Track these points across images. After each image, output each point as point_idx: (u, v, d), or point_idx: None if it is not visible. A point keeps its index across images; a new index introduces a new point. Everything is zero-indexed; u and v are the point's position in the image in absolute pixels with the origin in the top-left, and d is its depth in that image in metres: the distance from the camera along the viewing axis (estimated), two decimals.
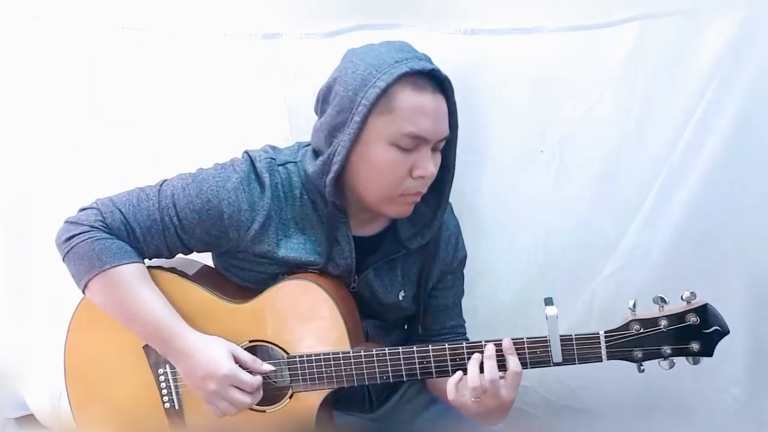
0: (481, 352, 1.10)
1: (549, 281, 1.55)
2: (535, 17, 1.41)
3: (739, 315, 1.52)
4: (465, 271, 1.39)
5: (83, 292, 1.19)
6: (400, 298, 1.28)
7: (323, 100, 1.16)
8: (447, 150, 1.18)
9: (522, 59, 1.44)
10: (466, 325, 1.39)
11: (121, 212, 1.17)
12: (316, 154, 1.18)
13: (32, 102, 1.54)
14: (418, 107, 1.10)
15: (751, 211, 1.48)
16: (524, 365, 1.11)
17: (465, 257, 1.35)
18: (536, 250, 1.56)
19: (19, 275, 1.64)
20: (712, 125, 1.42)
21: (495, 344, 1.10)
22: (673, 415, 1.63)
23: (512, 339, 1.11)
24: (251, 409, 1.20)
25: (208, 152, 1.26)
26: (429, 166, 1.13)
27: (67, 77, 1.52)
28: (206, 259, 1.33)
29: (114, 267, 1.15)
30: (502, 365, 1.10)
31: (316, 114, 1.19)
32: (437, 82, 1.12)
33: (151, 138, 1.55)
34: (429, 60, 1.14)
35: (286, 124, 1.50)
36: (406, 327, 1.40)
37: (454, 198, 1.40)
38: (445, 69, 1.41)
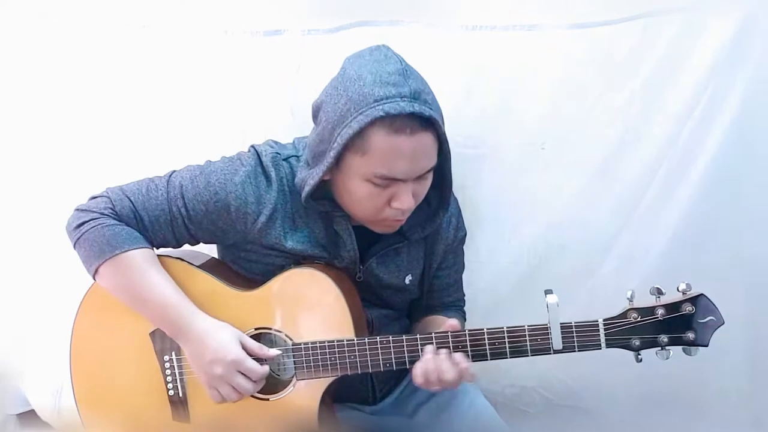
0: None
1: (549, 274, 1.58)
2: (537, 14, 1.44)
3: (739, 312, 1.54)
4: (466, 263, 1.44)
5: (94, 278, 1.21)
6: (407, 282, 1.31)
7: (314, 116, 1.18)
8: (443, 163, 1.17)
9: (524, 56, 1.47)
10: (467, 317, 1.43)
11: (130, 200, 1.20)
12: (307, 164, 1.20)
13: (34, 98, 1.55)
14: (392, 150, 1.08)
15: (750, 209, 1.51)
16: (525, 353, 1.13)
17: (465, 235, 1.39)
18: (536, 243, 1.60)
19: (19, 271, 1.64)
20: (713, 123, 1.46)
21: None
22: (674, 415, 1.65)
23: (513, 327, 1.13)
24: (255, 397, 1.21)
25: (211, 149, 1.27)
26: (406, 200, 1.12)
27: (67, 74, 1.54)
28: (212, 251, 1.35)
29: (124, 252, 1.17)
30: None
31: None
32: (420, 119, 1.07)
33: (153, 135, 1.57)
34: (414, 96, 1.07)
35: (290, 120, 1.52)
36: (409, 311, 1.42)
37: (455, 190, 1.41)
38: (448, 65, 1.46)
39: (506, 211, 1.59)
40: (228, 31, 1.49)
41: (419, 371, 1.14)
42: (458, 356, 1.13)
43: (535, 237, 1.59)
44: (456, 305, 1.42)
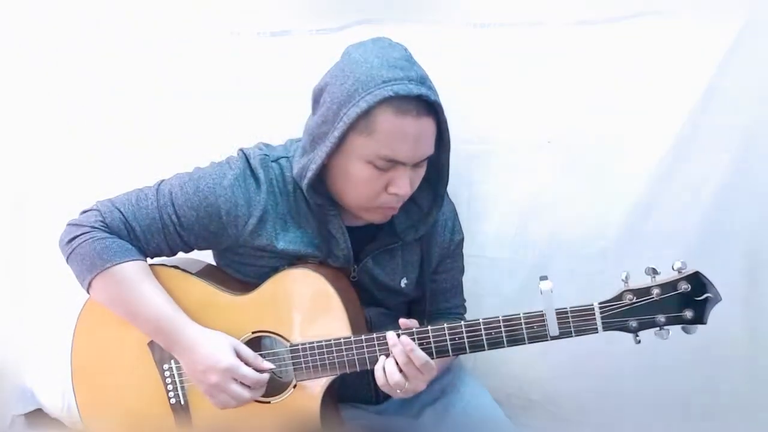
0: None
1: (554, 272, 1.52)
2: (544, 12, 1.44)
3: (739, 311, 1.55)
4: (471, 259, 1.42)
5: (88, 292, 1.21)
6: (402, 285, 1.30)
7: (315, 101, 1.18)
8: (441, 155, 1.19)
9: (531, 53, 1.47)
10: (469, 312, 1.42)
11: (120, 212, 1.20)
12: (304, 152, 1.20)
13: (39, 99, 1.56)
14: (397, 132, 1.09)
15: (751, 207, 1.50)
16: (522, 341, 1.12)
17: (462, 240, 1.38)
18: (543, 240, 1.58)
19: (23, 269, 1.65)
20: (715, 121, 1.45)
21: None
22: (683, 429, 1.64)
23: (509, 315, 1.12)
24: (256, 400, 1.21)
25: (218, 150, 1.25)
26: (404, 185, 1.13)
27: (73, 76, 1.55)
28: (209, 258, 1.35)
29: (115, 265, 1.17)
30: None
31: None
32: (425, 103, 1.09)
33: (160, 136, 1.57)
34: (421, 80, 1.10)
35: (297, 121, 1.51)
36: (408, 314, 1.40)
37: (461, 187, 1.44)
38: (455, 62, 1.46)
39: (513, 208, 1.58)
40: (234, 32, 1.50)
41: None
42: (404, 339, 1.14)
43: (541, 234, 1.58)
44: (453, 312, 1.40)
